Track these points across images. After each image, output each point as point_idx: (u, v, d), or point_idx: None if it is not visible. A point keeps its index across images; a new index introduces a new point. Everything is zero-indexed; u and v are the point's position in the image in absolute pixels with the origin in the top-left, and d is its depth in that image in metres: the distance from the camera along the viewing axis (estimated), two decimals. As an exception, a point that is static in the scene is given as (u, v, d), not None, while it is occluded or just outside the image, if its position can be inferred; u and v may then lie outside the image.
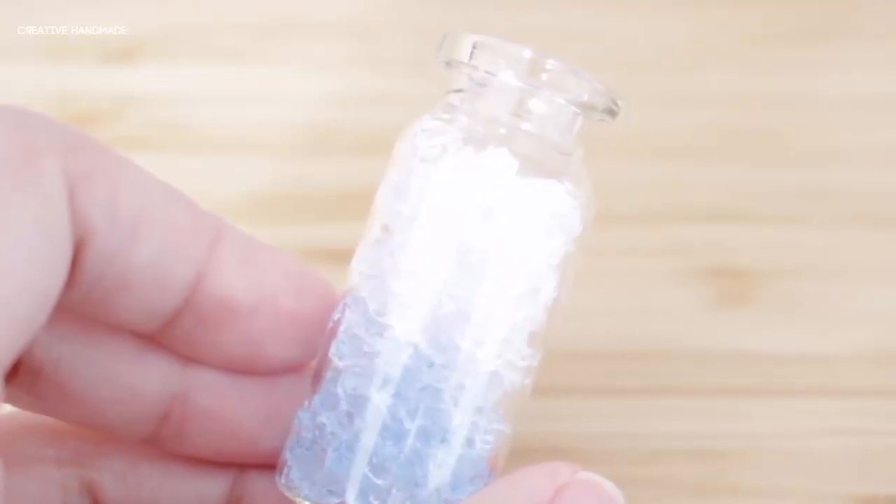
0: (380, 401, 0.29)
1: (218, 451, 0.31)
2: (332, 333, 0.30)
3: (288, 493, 0.29)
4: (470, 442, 0.29)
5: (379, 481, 0.28)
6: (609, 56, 0.49)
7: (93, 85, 0.46)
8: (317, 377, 0.30)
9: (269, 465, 0.31)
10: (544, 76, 0.29)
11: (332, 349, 0.30)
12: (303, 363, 0.31)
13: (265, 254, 0.29)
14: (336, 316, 0.30)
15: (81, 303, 0.28)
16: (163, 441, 0.31)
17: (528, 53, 0.28)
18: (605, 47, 0.50)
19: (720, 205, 0.44)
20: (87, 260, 0.27)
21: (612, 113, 0.30)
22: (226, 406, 0.31)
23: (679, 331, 0.40)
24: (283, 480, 0.30)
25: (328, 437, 0.29)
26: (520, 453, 0.35)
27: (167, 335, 0.29)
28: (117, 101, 0.46)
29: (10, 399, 0.29)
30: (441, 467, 0.29)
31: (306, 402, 0.30)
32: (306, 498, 0.29)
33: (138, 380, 0.30)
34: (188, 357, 0.30)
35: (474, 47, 0.29)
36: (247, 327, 0.29)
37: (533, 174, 0.29)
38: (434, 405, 0.29)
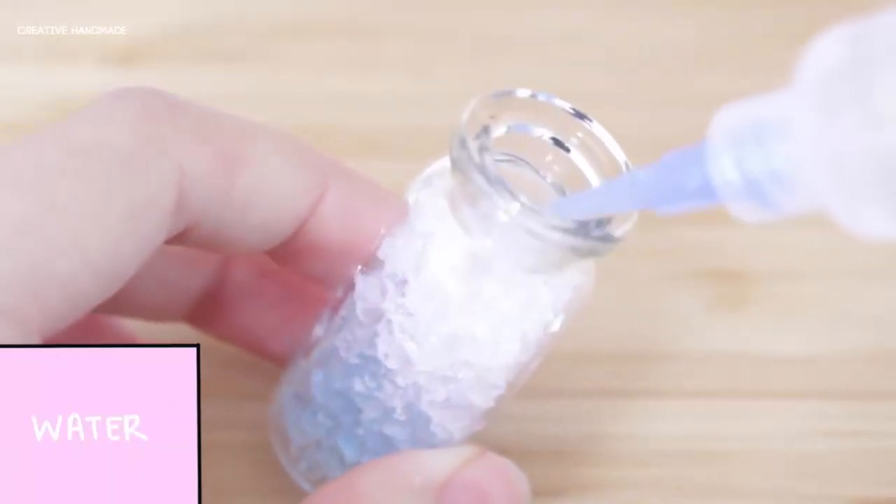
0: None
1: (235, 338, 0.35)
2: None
3: None
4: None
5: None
6: (608, 57, 0.49)
7: (92, 85, 0.46)
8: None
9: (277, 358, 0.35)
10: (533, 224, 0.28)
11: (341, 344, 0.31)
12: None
13: (366, 206, 0.31)
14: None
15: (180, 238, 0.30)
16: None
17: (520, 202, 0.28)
18: (604, 48, 0.50)
19: (718, 206, 0.44)
20: (196, 232, 0.29)
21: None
22: (251, 304, 0.35)
23: (678, 333, 0.40)
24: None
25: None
26: (521, 455, 0.35)
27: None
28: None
29: None
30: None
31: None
32: None
33: (185, 282, 0.34)
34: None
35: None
36: (327, 265, 0.31)
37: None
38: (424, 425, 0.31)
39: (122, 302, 0.33)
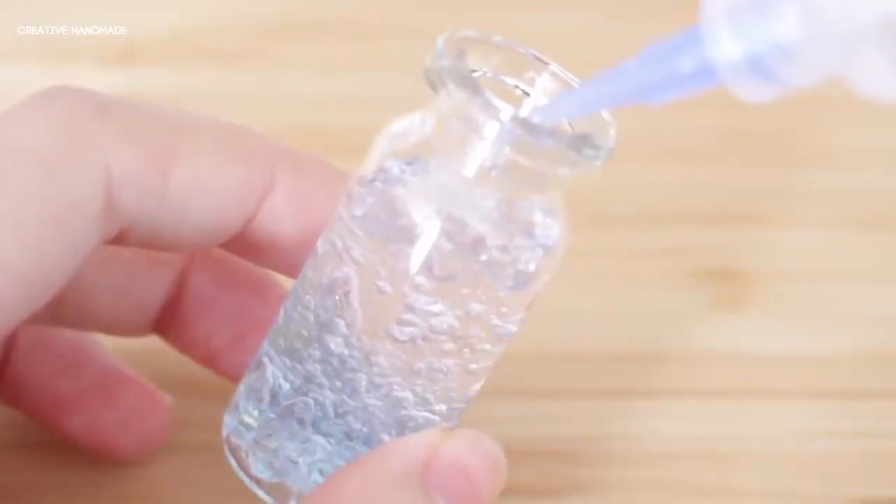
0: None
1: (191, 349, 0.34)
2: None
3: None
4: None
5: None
6: (607, 58, 0.49)
7: (92, 85, 0.45)
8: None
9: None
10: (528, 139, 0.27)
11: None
12: None
13: (318, 195, 0.30)
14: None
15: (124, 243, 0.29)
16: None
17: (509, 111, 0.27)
18: (604, 48, 0.50)
19: (719, 207, 0.44)
20: (134, 234, 0.28)
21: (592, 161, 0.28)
22: (210, 315, 0.33)
23: (678, 333, 0.40)
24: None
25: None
26: (519, 455, 0.35)
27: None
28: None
29: None
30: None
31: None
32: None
33: (145, 292, 0.33)
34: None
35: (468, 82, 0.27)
36: (284, 257, 0.30)
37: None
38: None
39: (79, 315, 0.32)
